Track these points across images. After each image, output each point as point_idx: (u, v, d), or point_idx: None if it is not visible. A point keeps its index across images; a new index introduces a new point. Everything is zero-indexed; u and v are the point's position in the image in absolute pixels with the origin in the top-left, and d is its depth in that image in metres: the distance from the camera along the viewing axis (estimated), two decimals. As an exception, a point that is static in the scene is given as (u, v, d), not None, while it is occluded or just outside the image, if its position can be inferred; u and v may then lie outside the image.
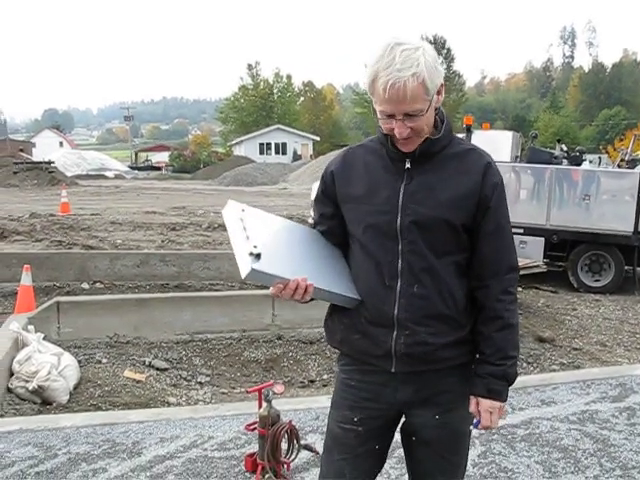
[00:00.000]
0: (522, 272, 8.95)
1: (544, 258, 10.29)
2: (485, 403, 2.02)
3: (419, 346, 1.99)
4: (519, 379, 5.79)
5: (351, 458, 2.13)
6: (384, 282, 2.00)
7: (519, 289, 9.62)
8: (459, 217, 1.99)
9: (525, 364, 6.81)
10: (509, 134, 11.95)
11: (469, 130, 11.18)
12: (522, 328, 7.69)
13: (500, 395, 2.03)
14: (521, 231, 10.62)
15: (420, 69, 1.85)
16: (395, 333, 1.99)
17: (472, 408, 2.05)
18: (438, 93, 1.95)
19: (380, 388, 2.07)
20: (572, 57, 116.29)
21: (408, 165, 2.01)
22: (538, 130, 20.48)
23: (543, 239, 10.51)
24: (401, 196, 1.99)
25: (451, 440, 2.12)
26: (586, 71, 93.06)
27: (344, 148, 2.30)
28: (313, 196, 9.55)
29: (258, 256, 1.88)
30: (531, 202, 10.86)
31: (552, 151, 11.82)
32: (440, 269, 2.00)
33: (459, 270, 2.04)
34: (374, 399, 2.08)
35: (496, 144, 11.37)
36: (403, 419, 2.16)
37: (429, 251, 1.99)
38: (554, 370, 6.62)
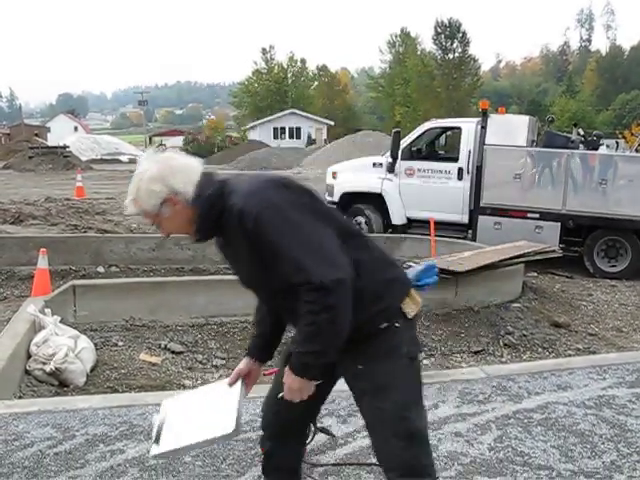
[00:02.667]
0: (537, 257, 8.89)
1: (560, 243, 10.21)
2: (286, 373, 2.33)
3: None
4: (535, 363, 5.78)
5: None
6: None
7: (534, 274, 9.58)
8: (254, 262, 2.31)
9: (540, 349, 6.79)
10: (525, 118, 11.83)
11: (485, 114, 11.09)
12: (537, 313, 7.67)
13: (294, 371, 2.30)
14: (537, 216, 10.58)
15: (136, 196, 2.32)
16: None
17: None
18: (172, 203, 2.30)
19: None
20: (589, 40, 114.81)
21: (222, 241, 2.47)
22: (554, 115, 20.25)
23: (559, 224, 10.44)
24: (232, 267, 2.56)
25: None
26: (603, 55, 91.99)
27: None
28: (328, 180, 9.53)
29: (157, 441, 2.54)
30: (547, 187, 10.79)
31: (569, 135, 11.70)
32: (286, 303, 2.37)
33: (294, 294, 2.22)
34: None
35: (512, 128, 11.30)
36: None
37: (267, 297, 2.53)
38: (570, 355, 6.59)
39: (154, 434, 2.58)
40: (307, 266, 2.16)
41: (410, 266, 2.65)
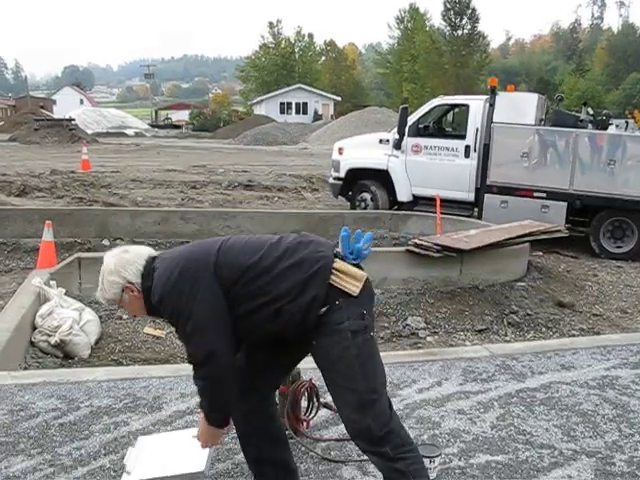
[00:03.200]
0: (543, 237, 8.86)
1: (566, 223, 10.17)
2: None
3: None
4: (539, 342, 5.79)
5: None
6: None
7: (540, 253, 9.56)
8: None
9: (544, 329, 6.80)
10: (534, 96, 11.73)
11: (493, 92, 10.99)
12: (542, 292, 7.66)
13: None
14: (543, 195, 10.52)
15: (102, 287, 2.67)
16: None
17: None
18: (129, 290, 2.63)
19: None
20: (601, 18, 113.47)
21: None
22: (563, 93, 20.09)
23: (566, 204, 10.39)
24: None
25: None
26: (615, 33, 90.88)
27: None
28: (334, 156, 9.49)
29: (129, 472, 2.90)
30: (554, 166, 10.71)
31: (578, 115, 11.60)
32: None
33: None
34: None
35: (520, 106, 11.21)
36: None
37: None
38: (574, 335, 6.59)
39: (127, 465, 2.91)
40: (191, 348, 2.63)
41: (336, 244, 2.63)
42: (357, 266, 2.58)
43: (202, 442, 2.73)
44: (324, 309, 2.50)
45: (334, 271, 2.52)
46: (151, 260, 2.66)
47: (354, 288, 2.51)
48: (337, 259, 2.56)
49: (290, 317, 2.51)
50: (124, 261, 2.62)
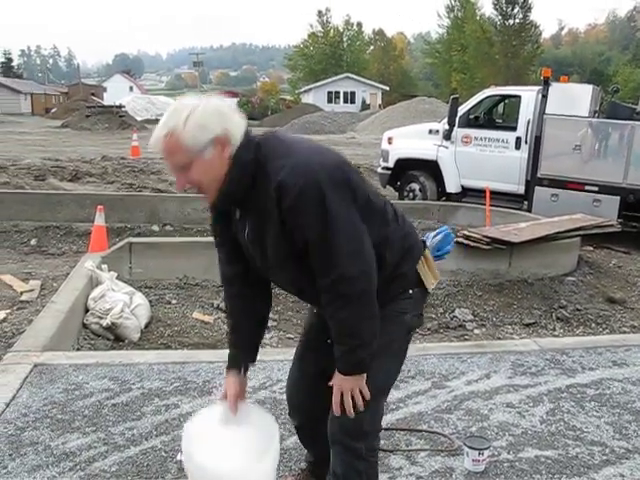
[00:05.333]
0: (594, 231, 8.70)
1: (618, 218, 9.95)
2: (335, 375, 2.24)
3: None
4: (589, 338, 5.69)
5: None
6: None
7: (590, 248, 9.38)
8: (283, 239, 2.09)
9: (594, 324, 6.68)
10: (588, 88, 11.49)
11: (547, 83, 10.79)
12: (592, 288, 7.53)
13: (342, 372, 2.21)
14: (596, 189, 10.30)
15: (177, 130, 1.97)
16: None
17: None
18: (220, 146, 2.02)
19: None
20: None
21: (238, 215, 2.23)
22: (618, 84, 19.64)
23: (619, 198, 10.15)
24: (248, 241, 2.22)
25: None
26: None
27: None
28: (383, 145, 9.47)
29: None
30: (608, 159, 10.48)
31: (634, 107, 11.32)
32: (302, 284, 2.28)
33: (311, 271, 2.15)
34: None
35: (574, 98, 11.00)
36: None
37: (285, 278, 2.32)
38: (624, 332, 6.46)
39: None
40: (340, 261, 2.05)
41: (426, 236, 2.55)
42: None
43: (347, 398, 2.22)
44: (400, 290, 2.32)
45: (422, 258, 2.38)
46: (249, 132, 2.14)
47: (431, 283, 2.39)
48: (425, 248, 2.44)
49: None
50: (231, 110, 2.09)
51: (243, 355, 2.47)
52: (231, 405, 2.37)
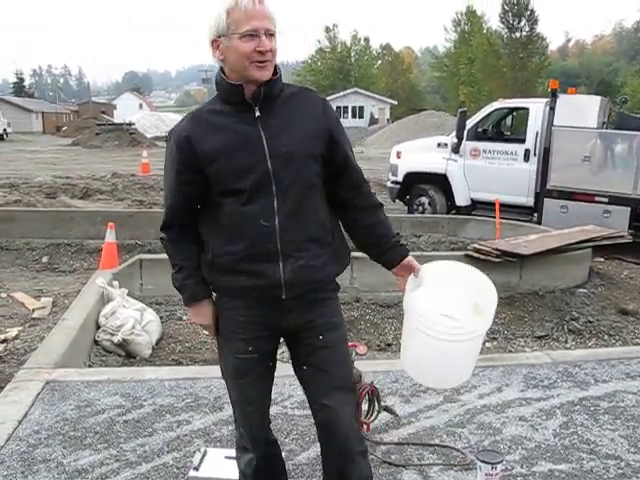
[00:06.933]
0: (605, 242, 8.66)
1: (629, 229, 9.90)
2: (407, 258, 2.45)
3: (303, 270, 2.25)
4: (602, 350, 5.64)
5: (255, 380, 2.40)
6: (261, 222, 2.20)
7: (601, 259, 9.33)
8: (318, 148, 2.27)
9: (607, 336, 6.63)
10: (597, 99, 11.46)
11: (554, 94, 10.77)
12: (604, 300, 7.48)
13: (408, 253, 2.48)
14: (605, 200, 10.26)
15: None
16: (281, 264, 2.23)
17: (415, 265, 2.44)
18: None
19: (267, 318, 2.30)
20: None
21: (258, 113, 2.22)
22: (626, 95, 19.61)
23: (629, 209, 10.10)
24: (264, 141, 2.20)
25: (335, 357, 2.38)
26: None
27: (188, 114, 2.40)
28: (392, 160, 9.45)
29: None
30: (617, 170, 10.44)
31: (642, 117, 11.29)
32: (310, 200, 2.27)
33: (322, 196, 2.33)
34: (264, 328, 2.32)
35: (582, 109, 10.96)
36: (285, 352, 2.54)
37: (299, 186, 2.24)
38: (637, 344, 6.41)
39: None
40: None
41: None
42: None
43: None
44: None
45: None
46: None
47: None
48: None
49: None
50: None
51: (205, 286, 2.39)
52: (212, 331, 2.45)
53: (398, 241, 2.47)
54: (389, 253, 2.45)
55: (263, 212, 2.20)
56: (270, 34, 2.15)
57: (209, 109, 2.30)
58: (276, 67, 2.23)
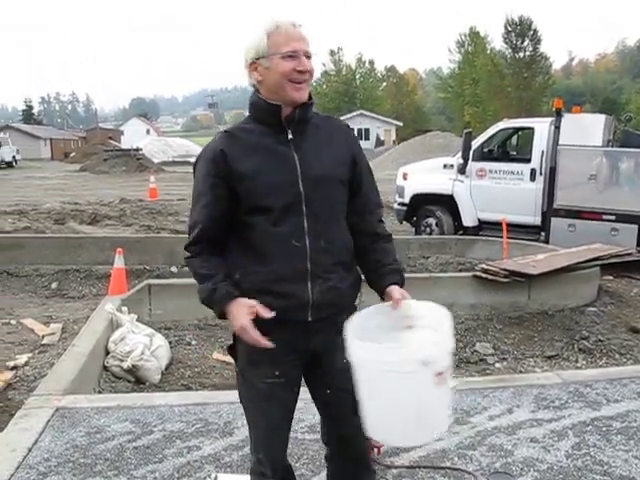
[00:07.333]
0: (613, 260, 8.64)
1: (637, 246, 9.88)
2: (399, 289, 2.38)
3: (331, 292, 2.30)
4: (613, 369, 5.60)
5: (280, 404, 2.42)
6: (293, 242, 2.25)
7: (610, 278, 9.30)
8: (344, 174, 2.37)
9: (617, 355, 6.59)
10: (601, 117, 11.50)
11: (559, 113, 10.82)
12: (614, 318, 7.45)
13: (403, 284, 2.43)
14: (613, 218, 10.26)
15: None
16: (310, 284, 2.27)
17: (395, 294, 2.33)
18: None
19: (294, 341, 2.30)
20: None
21: (291, 136, 2.29)
22: (631, 113, 19.65)
23: (637, 226, 10.09)
24: (297, 163, 2.27)
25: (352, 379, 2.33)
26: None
27: (219, 133, 2.42)
28: (399, 181, 9.47)
29: None
30: (624, 188, 10.45)
31: (647, 135, 11.30)
32: (337, 223, 2.37)
33: (345, 219, 2.42)
34: (290, 352, 2.31)
35: (587, 128, 10.99)
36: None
37: (327, 209, 2.31)
38: (649, 363, 6.37)
39: None
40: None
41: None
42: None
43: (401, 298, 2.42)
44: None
45: None
46: None
47: None
48: None
49: None
50: None
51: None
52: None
53: (394, 269, 2.44)
54: (378, 281, 2.43)
55: (294, 232, 2.25)
56: (308, 56, 2.26)
57: (243, 128, 2.35)
58: (310, 94, 2.32)
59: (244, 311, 2.21)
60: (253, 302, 2.22)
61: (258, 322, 2.22)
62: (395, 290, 2.36)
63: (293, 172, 2.26)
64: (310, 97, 2.32)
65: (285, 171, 2.26)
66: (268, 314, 2.20)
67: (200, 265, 2.32)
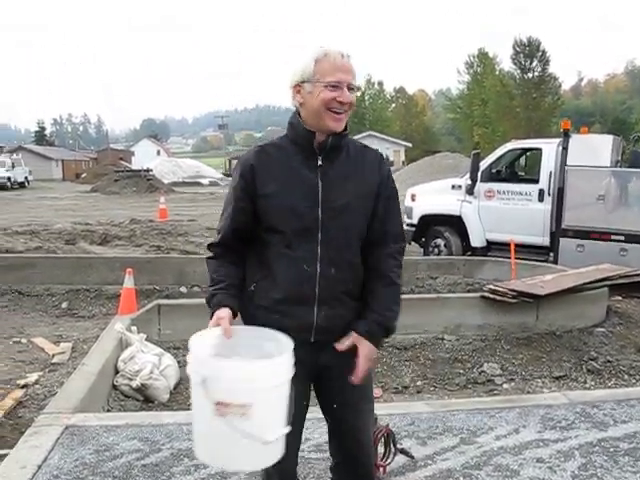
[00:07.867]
0: (622, 281, 8.63)
1: (647, 267, 9.86)
2: (364, 343, 2.35)
3: (336, 319, 2.35)
4: (621, 390, 5.59)
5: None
6: (304, 267, 2.30)
7: (619, 298, 9.28)
8: (367, 205, 2.38)
9: (627, 376, 6.56)
10: (609, 138, 11.55)
11: (567, 134, 10.87)
12: (623, 339, 7.42)
13: (376, 340, 2.39)
14: (622, 238, 10.25)
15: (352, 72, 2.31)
16: (316, 309, 2.32)
17: (347, 343, 2.33)
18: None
19: (303, 357, 2.22)
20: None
21: (320, 162, 2.33)
22: (639, 133, 19.66)
23: (646, 247, 10.10)
24: (320, 190, 2.31)
25: (362, 392, 2.48)
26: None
27: (255, 146, 2.49)
28: (407, 202, 9.51)
29: None
30: (633, 208, 10.45)
31: (657, 155, 11.32)
32: (351, 253, 2.37)
33: (359, 247, 2.40)
34: (300, 367, 2.18)
35: (595, 148, 11.04)
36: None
37: (342, 238, 2.34)
38: (658, 384, 6.35)
39: None
40: (403, 233, 2.52)
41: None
42: None
43: (370, 367, 2.42)
44: None
45: None
46: None
47: None
48: None
49: None
50: None
51: (238, 301, 2.37)
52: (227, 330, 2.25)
53: (375, 320, 2.37)
54: (357, 322, 2.39)
55: (307, 257, 2.30)
56: (351, 88, 2.30)
57: (277, 145, 2.42)
58: (347, 124, 2.36)
59: (224, 312, 2.28)
60: (227, 315, 2.26)
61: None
62: (358, 343, 2.35)
63: (314, 199, 2.30)
64: (346, 127, 2.36)
65: (305, 197, 2.30)
66: (228, 336, 2.22)
67: (214, 269, 2.44)
